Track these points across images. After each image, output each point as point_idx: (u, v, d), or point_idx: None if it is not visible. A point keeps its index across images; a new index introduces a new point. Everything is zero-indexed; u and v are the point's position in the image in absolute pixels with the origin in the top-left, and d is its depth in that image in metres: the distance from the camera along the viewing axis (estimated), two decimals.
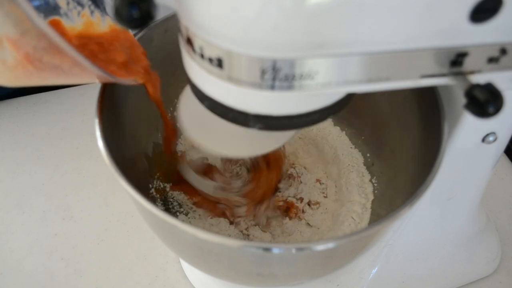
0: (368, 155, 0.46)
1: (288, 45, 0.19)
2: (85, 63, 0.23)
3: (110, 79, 0.27)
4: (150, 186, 0.42)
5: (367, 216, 0.43)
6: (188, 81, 0.25)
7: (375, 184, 0.44)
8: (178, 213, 0.44)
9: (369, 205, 0.43)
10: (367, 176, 0.45)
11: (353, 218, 0.43)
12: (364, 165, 0.46)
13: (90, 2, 0.30)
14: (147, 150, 0.42)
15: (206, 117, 0.31)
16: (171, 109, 0.44)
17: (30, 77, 0.25)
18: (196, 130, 0.32)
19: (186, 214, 0.44)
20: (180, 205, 0.44)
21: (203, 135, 0.31)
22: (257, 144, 0.32)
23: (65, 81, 0.27)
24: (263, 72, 0.20)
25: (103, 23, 0.31)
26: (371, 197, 0.44)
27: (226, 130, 0.31)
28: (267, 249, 0.24)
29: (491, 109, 0.21)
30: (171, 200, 0.44)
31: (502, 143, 0.34)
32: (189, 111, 0.32)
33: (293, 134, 0.33)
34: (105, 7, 0.31)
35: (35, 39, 0.22)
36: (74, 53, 0.23)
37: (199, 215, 0.44)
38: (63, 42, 0.22)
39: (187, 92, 0.33)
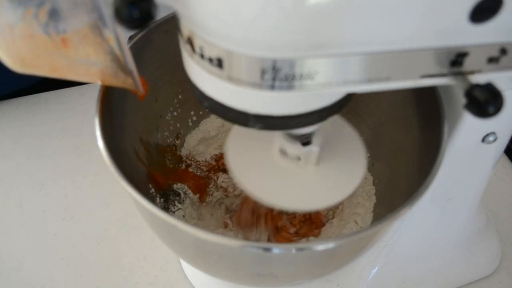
0: (367, 155, 0.46)
1: (288, 45, 0.19)
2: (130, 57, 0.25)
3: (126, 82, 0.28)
4: (150, 185, 0.42)
5: (368, 220, 0.42)
6: (188, 81, 0.25)
7: (376, 185, 0.44)
8: (176, 202, 0.44)
9: (371, 209, 0.43)
10: (370, 179, 0.45)
11: (355, 222, 0.42)
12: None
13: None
14: (147, 149, 0.42)
15: (256, 160, 0.31)
16: (171, 109, 0.44)
17: (48, 56, 0.25)
18: (245, 174, 0.30)
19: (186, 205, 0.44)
20: (185, 195, 0.44)
21: (252, 180, 0.30)
22: (311, 197, 0.30)
23: (73, 75, 0.27)
24: (263, 72, 0.20)
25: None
26: (374, 200, 0.44)
27: (278, 175, 0.30)
28: (267, 249, 0.24)
29: (491, 109, 0.20)
30: (172, 194, 0.45)
31: (502, 143, 0.34)
32: (237, 153, 0.31)
33: (352, 191, 0.30)
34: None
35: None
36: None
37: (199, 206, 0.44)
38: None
39: (235, 134, 0.32)
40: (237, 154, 0.31)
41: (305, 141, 0.29)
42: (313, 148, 0.29)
